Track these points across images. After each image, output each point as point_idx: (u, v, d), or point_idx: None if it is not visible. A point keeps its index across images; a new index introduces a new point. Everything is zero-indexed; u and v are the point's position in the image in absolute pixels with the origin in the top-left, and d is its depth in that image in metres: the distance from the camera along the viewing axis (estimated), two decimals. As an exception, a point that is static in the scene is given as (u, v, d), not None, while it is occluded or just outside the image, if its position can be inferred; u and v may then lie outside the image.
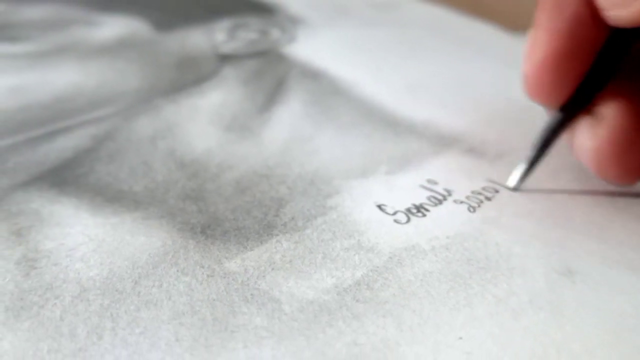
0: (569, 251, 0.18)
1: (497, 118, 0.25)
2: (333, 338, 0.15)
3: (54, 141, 0.22)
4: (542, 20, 0.18)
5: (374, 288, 0.16)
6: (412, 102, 0.26)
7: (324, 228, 0.18)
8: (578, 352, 0.15)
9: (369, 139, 0.23)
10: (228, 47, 0.30)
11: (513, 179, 0.20)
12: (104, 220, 0.18)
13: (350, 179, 0.21)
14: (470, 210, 0.19)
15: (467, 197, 0.20)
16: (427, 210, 0.19)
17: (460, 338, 0.15)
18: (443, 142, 0.23)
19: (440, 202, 0.20)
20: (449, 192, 0.20)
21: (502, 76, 0.28)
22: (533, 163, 0.20)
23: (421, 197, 0.20)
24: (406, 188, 0.20)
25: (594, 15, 0.17)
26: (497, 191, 0.20)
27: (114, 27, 0.31)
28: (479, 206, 0.19)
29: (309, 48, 0.30)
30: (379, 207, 0.19)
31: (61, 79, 0.26)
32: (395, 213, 0.19)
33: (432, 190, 0.20)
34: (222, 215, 0.19)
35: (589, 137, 0.18)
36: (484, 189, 0.20)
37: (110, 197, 0.19)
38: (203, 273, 0.17)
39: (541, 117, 0.20)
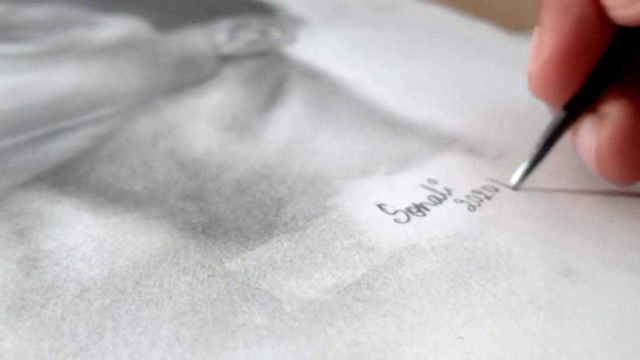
0: (569, 251, 0.18)
1: (497, 118, 0.25)
2: (333, 337, 0.15)
3: (54, 141, 0.22)
4: (548, 19, 0.18)
5: (374, 287, 0.16)
6: (412, 102, 0.26)
7: (324, 228, 0.18)
8: (578, 352, 0.15)
9: (369, 139, 0.23)
10: (228, 48, 0.30)
11: (515, 177, 0.20)
12: (105, 220, 0.18)
13: (350, 179, 0.21)
14: (470, 210, 0.19)
15: (467, 196, 0.20)
16: (427, 209, 0.19)
17: (460, 338, 0.15)
18: (443, 142, 0.23)
19: (440, 201, 0.20)
20: (449, 191, 0.20)
21: (502, 76, 0.28)
22: (536, 161, 0.20)
23: (421, 197, 0.20)
24: (406, 187, 0.20)
25: (599, 14, 0.17)
26: (497, 190, 0.20)
27: (114, 27, 0.31)
28: (479, 205, 0.19)
29: (309, 48, 0.30)
30: (379, 206, 0.19)
31: (62, 79, 0.26)
32: (395, 212, 0.19)
33: (432, 190, 0.20)
34: (223, 215, 0.19)
35: (591, 136, 0.18)
36: (484, 187, 0.20)
37: (111, 197, 0.19)
38: (204, 273, 0.17)
39: (541, 116, 0.20)
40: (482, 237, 0.18)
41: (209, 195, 0.20)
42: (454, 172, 0.21)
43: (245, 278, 0.17)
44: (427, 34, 0.33)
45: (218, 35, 0.31)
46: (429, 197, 0.20)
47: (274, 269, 0.17)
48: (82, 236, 0.18)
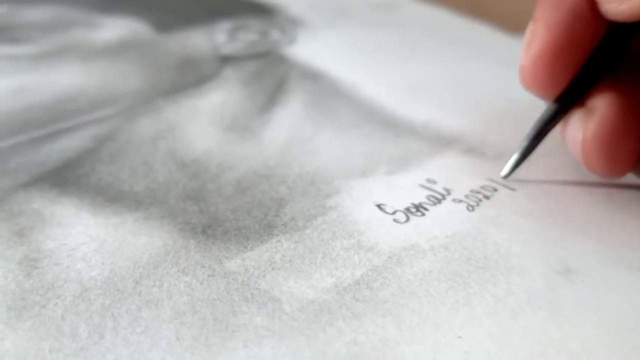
0: (568, 251, 0.18)
1: (496, 118, 0.25)
2: (333, 337, 0.15)
3: (55, 142, 0.22)
4: (541, 13, 0.18)
5: (373, 287, 0.16)
6: (412, 103, 0.26)
7: (324, 228, 0.18)
8: (576, 351, 0.15)
9: (369, 139, 0.23)
10: (228, 49, 0.30)
11: (506, 168, 0.20)
12: (105, 220, 0.18)
13: (350, 179, 0.21)
14: (469, 209, 0.19)
15: (466, 196, 0.20)
16: (426, 209, 0.19)
17: (460, 337, 0.15)
18: (442, 142, 0.23)
19: (439, 201, 0.20)
20: (448, 191, 0.20)
21: (502, 76, 0.28)
22: (526, 153, 0.20)
23: (420, 197, 0.20)
24: (406, 188, 0.20)
25: (592, 9, 0.17)
26: (495, 190, 0.20)
27: (115, 28, 0.31)
28: (477, 205, 0.20)
29: (309, 49, 0.30)
30: (379, 206, 0.19)
31: (63, 80, 0.27)
32: (394, 213, 0.19)
33: (431, 190, 0.20)
34: (223, 215, 0.19)
35: (579, 129, 0.18)
36: (482, 187, 0.20)
37: (112, 197, 0.20)
38: (204, 273, 0.17)
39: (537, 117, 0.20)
40: (480, 236, 0.18)
41: (209, 195, 0.20)
42: (453, 172, 0.21)
43: (245, 278, 0.17)
44: (427, 35, 0.33)
45: (218, 36, 0.31)
46: (428, 197, 0.20)
47: (273, 269, 0.17)
48: (82, 236, 0.18)
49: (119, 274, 0.17)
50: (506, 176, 0.20)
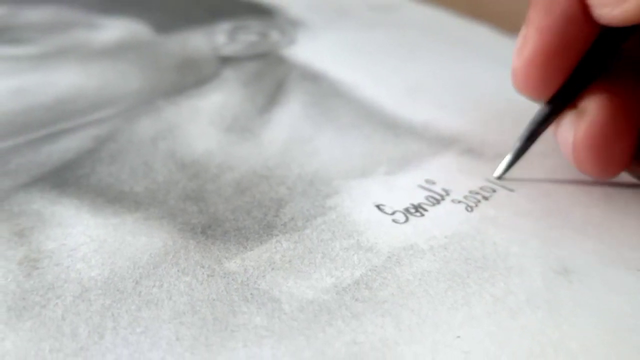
0: (566, 250, 0.18)
1: (495, 119, 0.25)
2: (332, 337, 0.15)
3: (55, 142, 0.22)
4: (533, 16, 0.18)
5: (372, 287, 0.16)
6: (412, 104, 0.26)
7: (323, 228, 0.18)
8: (575, 351, 0.15)
9: (369, 140, 0.23)
10: (228, 49, 0.30)
11: (499, 169, 0.21)
12: (105, 220, 0.19)
13: (349, 180, 0.21)
14: (468, 210, 0.19)
15: (465, 197, 0.20)
16: (425, 210, 0.19)
17: (459, 337, 0.15)
18: (442, 142, 0.23)
19: (438, 202, 0.20)
20: (447, 192, 0.20)
21: (501, 77, 0.28)
22: (519, 154, 0.20)
23: (419, 197, 0.20)
24: (405, 188, 0.20)
25: (584, 13, 0.17)
26: (494, 191, 0.20)
27: (115, 29, 0.31)
28: (476, 206, 0.20)
29: (308, 50, 0.30)
30: (378, 207, 0.19)
31: (63, 80, 0.27)
32: (393, 213, 0.19)
33: (430, 190, 0.20)
34: (223, 215, 0.19)
35: (570, 131, 0.19)
36: (481, 188, 0.20)
37: (112, 197, 0.20)
38: (203, 273, 0.17)
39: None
40: (479, 237, 0.18)
41: (208, 195, 0.20)
42: (452, 173, 0.21)
43: (245, 278, 0.17)
44: (426, 36, 0.33)
45: (218, 37, 0.31)
46: (427, 198, 0.20)
47: (273, 269, 0.17)
48: (82, 237, 0.18)
49: (119, 274, 0.17)
50: (499, 177, 0.21)
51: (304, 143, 0.23)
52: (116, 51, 0.29)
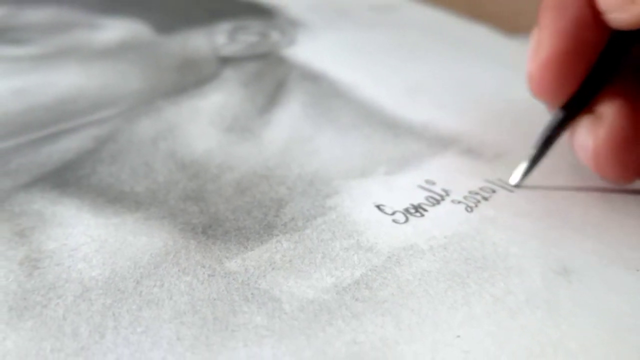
0: (566, 251, 0.18)
1: (495, 119, 0.25)
2: (333, 337, 0.15)
3: (56, 143, 0.22)
4: (546, 21, 0.18)
5: (372, 287, 0.16)
6: (411, 104, 0.26)
7: (323, 228, 0.19)
8: (574, 350, 0.15)
9: (369, 140, 0.23)
10: (228, 50, 0.30)
11: (515, 177, 0.20)
12: (105, 220, 0.19)
13: (349, 180, 0.21)
14: (467, 210, 0.19)
15: (465, 197, 0.20)
16: (425, 210, 0.19)
17: (458, 336, 0.15)
18: (442, 143, 0.23)
19: (438, 202, 0.20)
20: (447, 192, 0.20)
21: (500, 77, 0.28)
22: (535, 160, 0.20)
23: (419, 198, 0.20)
24: (405, 188, 0.20)
25: (595, 17, 0.18)
26: (494, 191, 0.20)
27: (115, 29, 0.32)
28: (476, 206, 0.20)
29: (308, 50, 0.30)
30: (378, 207, 0.19)
31: (63, 81, 0.27)
32: (393, 213, 0.19)
33: (430, 191, 0.20)
34: (223, 215, 0.19)
35: (588, 136, 0.19)
36: (481, 189, 0.20)
37: (112, 197, 0.20)
38: (204, 273, 0.17)
39: (539, 117, 0.20)
40: (479, 237, 0.18)
41: (209, 195, 0.20)
42: (452, 173, 0.21)
43: (245, 278, 0.17)
44: (426, 36, 0.33)
45: (218, 38, 0.31)
46: (427, 198, 0.20)
47: (273, 269, 0.17)
48: (83, 237, 0.18)
49: (119, 274, 0.17)
50: (517, 185, 0.20)
51: (304, 143, 0.23)
52: (116, 51, 0.29)
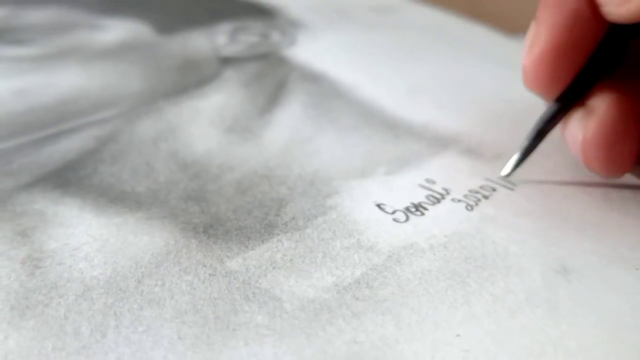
0: (566, 250, 0.18)
1: (494, 119, 0.25)
2: (333, 336, 0.15)
3: (57, 143, 0.22)
4: (543, 14, 0.18)
5: (373, 286, 0.16)
6: (412, 104, 0.26)
7: (324, 227, 0.19)
8: (574, 349, 0.15)
9: (369, 140, 0.23)
10: (229, 50, 0.30)
11: (507, 167, 0.21)
12: (107, 220, 0.19)
13: (349, 180, 0.21)
14: (468, 209, 0.19)
15: (465, 196, 0.20)
16: (425, 209, 0.19)
17: (458, 335, 0.15)
18: (441, 142, 0.23)
19: (438, 201, 0.20)
20: (447, 191, 0.20)
21: (500, 78, 0.28)
22: (527, 152, 0.20)
23: (420, 196, 0.20)
24: (405, 188, 0.20)
25: (593, 10, 0.18)
26: (494, 190, 0.20)
27: (116, 30, 0.32)
28: (476, 205, 0.20)
29: (309, 51, 0.30)
30: (378, 206, 0.20)
31: (65, 81, 0.27)
32: (394, 212, 0.19)
33: (430, 190, 0.20)
34: (224, 215, 0.19)
35: (579, 129, 0.19)
36: (481, 187, 0.20)
37: (113, 197, 0.20)
38: (205, 272, 0.17)
39: (538, 117, 0.20)
40: (479, 236, 0.18)
41: (210, 195, 0.20)
42: (452, 172, 0.21)
43: (246, 277, 0.17)
44: (426, 37, 0.33)
45: (219, 38, 0.31)
46: (427, 197, 0.20)
47: (274, 268, 0.17)
48: (84, 236, 0.18)
49: (121, 273, 0.17)
50: (507, 175, 0.21)
51: (305, 143, 0.23)
52: (117, 52, 0.30)
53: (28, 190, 0.20)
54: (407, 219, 0.19)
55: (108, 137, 0.23)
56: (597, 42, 0.18)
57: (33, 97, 0.25)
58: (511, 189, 0.20)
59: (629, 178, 0.21)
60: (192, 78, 0.28)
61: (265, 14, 0.34)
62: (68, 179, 0.21)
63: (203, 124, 0.24)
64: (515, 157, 0.20)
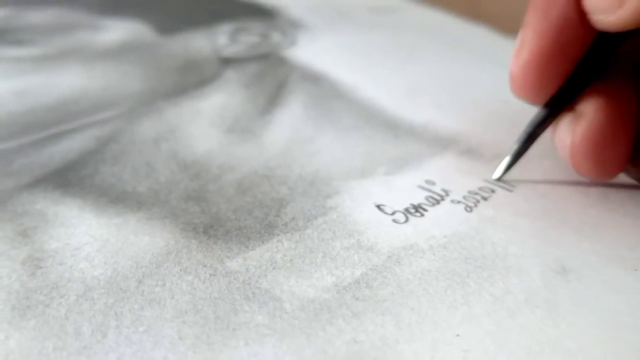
0: (564, 250, 0.18)
1: (493, 119, 0.25)
2: (333, 336, 0.15)
3: (58, 143, 0.22)
4: (531, 21, 0.18)
5: (373, 287, 0.16)
6: (411, 105, 0.26)
7: (324, 228, 0.19)
8: (573, 349, 0.15)
9: (369, 141, 0.23)
10: (230, 51, 0.30)
11: (498, 171, 0.21)
12: (107, 220, 0.19)
13: (350, 180, 0.21)
14: (467, 210, 0.20)
15: (464, 197, 0.20)
16: (425, 210, 0.19)
17: (458, 335, 0.15)
18: (441, 143, 0.23)
19: (438, 202, 0.20)
20: (447, 192, 0.20)
21: (499, 78, 0.28)
22: (518, 155, 0.21)
23: (419, 198, 0.20)
24: (405, 188, 0.20)
25: (581, 17, 0.18)
26: (493, 191, 0.20)
27: (117, 31, 0.32)
28: (475, 206, 0.20)
29: (309, 52, 0.30)
30: (378, 207, 0.20)
31: (66, 82, 0.27)
32: (394, 213, 0.19)
33: (430, 191, 0.20)
34: (224, 215, 0.19)
35: (567, 133, 0.19)
36: (480, 189, 0.21)
37: (114, 198, 0.20)
38: (205, 272, 0.17)
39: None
40: (478, 237, 0.18)
41: (210, 196, 0.20)
42: (451, 173, 0.21)
43: (246, 277, 0.17)
44: (425, 37, 0.33)
45: (219, 39, 0.31)
46: (426, 198, 0.20)
47: (274, 268, 0.17)
48: (85, 236, 0.18)
49: (121, 273, 0.17)
50: (499, 179, 0.21)
51: (305, 144, 0.23)
52: (118, 52, 0.30)
53: (29, 190, 0.20)
54: (407, 219, 0.19)
55: (109, 137, 0.23)
56: (585, 48, 0.18)
57: (34, 98, 0.25)
58: (510, 190, 0.21)
59: (627, 178, 0.21)
60: (192, 78, 0.28)
61: (266, 14, 0.34)
62: (69, 179, 0.21)
63: (203, 124, 0.24)
64: (506, 160, 0.21)
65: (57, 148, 0.22)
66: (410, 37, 0.33)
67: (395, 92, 0.27)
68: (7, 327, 0.15)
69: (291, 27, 0.33)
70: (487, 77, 0.29)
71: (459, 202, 0.20)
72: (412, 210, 0.19)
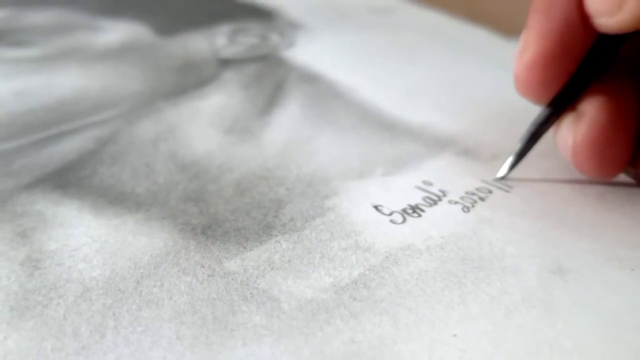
0: (561, 250, 0.18)
1: (491, 120, 0.25)
2: (331, 336, 0.15)
3: (58, 144, 0.23)
4: (533, 22, 0.19)
5: (370, 287, 0.17)
6: (409, 106, 0.26)
7: (322, 228, 0.19)
8: (570, 349, 0.15)
9: (367, 141, 0.23)
10: (228, 52, 0.30)
11: (502, 170, 0.21)
12: (106, 221, 0.19)
13: (347, 181, 0.21)
14: (464, 211, 0.20)
15: (462, 198, 0.20)
16: (422, 210, 0.20)
17: (455, 335, 0.15)
18: (439, 144, 0.23)
19: (435, 202, 0.20)
20: (444, 193, 0.20)
21: (497, 79, 0.28)
22: (521, 155, 0.21)
23: (416, 198, 0.20)
24: (402, 189, 0.21)
25: (583, 19, 0.18)
26: (490, 192, 0.20)
27: (117, 32, 0.32)
28: (472, 206, 0.20)
29: (307, 53, 0.30)
30: (376, 207, 0.20)
31: (65, 82, 0.27)
32: (391, 213, 0.19)
33: (427, 191, 0.20)
34: (223, 216, 0.19)
35: (569, 133, 0.19)
36: (477, 189, 0.21)
37: (113, 198, 0.20)
38: (203, 273, 0.17)
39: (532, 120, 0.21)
40: (475, 237, 0.18)
41: (209, 196, 0.20)
42: (448, 174, 0.21)
43: (244, 278, 0.17)
44: (424, 39, 0.33)
45: (218, 40, 0.31)
46: (424, 199, 0.20)
47: (272, 269, 0.17)
48: (84, 237, 0.18)
49: (120, 274, 0.17)
50: (503, 177, 0.21)
51: (303, 144, 0.23)
52: (117, 53, 0.30)
53: (28, 191, 0.20)
54: (404, 220, 0.19)
55: (108, 138, 0.23)
56: (587, 49, 0.19)
57: (33, 98, 0.25)
58: (507, 191, 0.21)
59: (625, 178, 0.21)
60: (191, 79, 0.28)
61: (264, 15, 0.34)
62: (68, 179, 0.21)
63: (202, 125, 0.24)
64: (509, 160, 0.21)
65: (56, 148, 0.22)
66: (410, 37, 0.33)
67: (394, 92, 0.27)
68: (5, 328, 0.15)
69: (290, 28, 0.33)
70: (486, 78, 0.29)
71: (456, 202, 0.20)
72: (410, 211, 0.19)
